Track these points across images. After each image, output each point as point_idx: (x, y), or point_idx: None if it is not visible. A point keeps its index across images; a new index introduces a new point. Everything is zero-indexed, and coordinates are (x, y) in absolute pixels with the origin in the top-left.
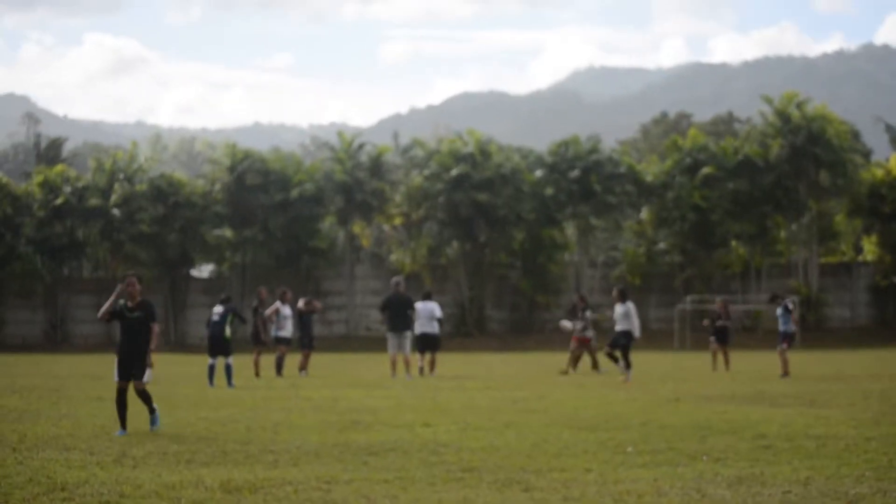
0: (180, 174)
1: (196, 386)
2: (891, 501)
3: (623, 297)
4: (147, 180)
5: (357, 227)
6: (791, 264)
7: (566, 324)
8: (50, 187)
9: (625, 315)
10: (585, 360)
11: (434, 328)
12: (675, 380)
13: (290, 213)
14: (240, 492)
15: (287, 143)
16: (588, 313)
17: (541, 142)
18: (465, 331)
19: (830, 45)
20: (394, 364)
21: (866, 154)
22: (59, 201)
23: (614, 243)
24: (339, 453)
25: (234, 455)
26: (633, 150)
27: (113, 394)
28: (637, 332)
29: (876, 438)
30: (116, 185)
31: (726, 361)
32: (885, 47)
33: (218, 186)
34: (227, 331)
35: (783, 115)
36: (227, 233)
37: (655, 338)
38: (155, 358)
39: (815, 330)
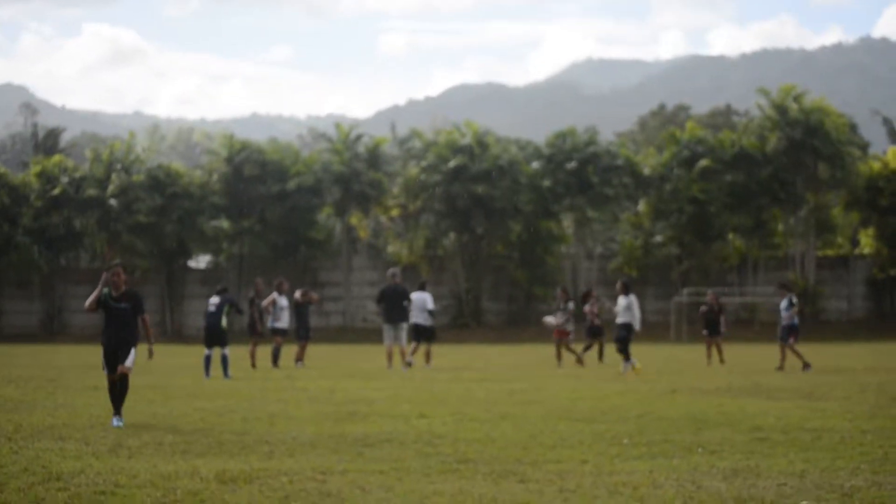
0: (178, 165)
1: (192, 377)
2: (886, 494)
3: (626, 290)
4: (144, 171)
5: (354, 219)
6: (788, 257)
7: (549, 319)
8: (47, 177)
9: (627, 307)
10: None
11: (427, 319)
12: (672, 372)
13: (288, 204)
14: (235, 482)
15: (285, 135)
16: (571, 305)
17: (539, 134)
18: (461, 322)
19: (829, 37)
20: (390, 355)
21: (864, 147)
22: (56, 191)
23: (611, 235)
24: (335, 444)
25: (229, 446)
26: (630, 142)
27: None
28: (637, 325)
29: (871, 431)
30: (114, 176)
31: (720, 353)
32: (884, 40)
33: (215, 177)
34: (224, 322)
35: (781, 108)
36: (225, 224)
37: (652, 330)
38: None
39: (811, 322)
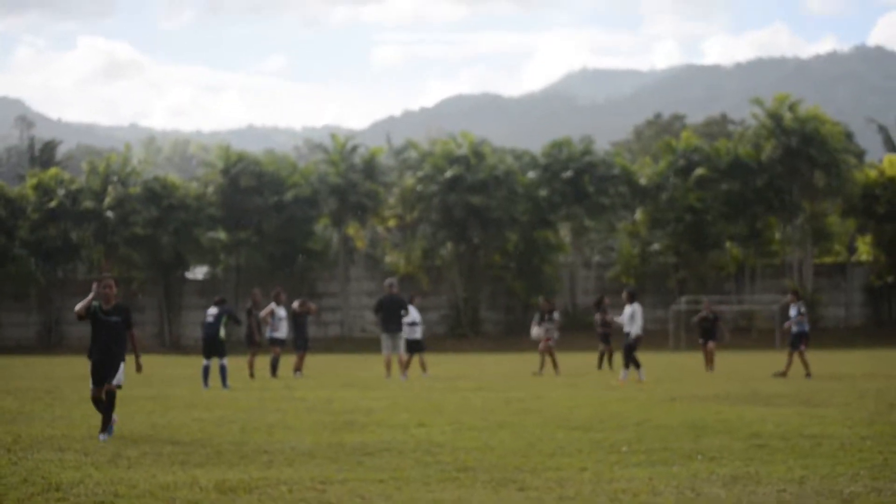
0: (174, 177)
1: (190, 387)
2: (885, 500)
3: (632, 299)
4: (141, 183)
5: (351, 229)
6: (785, 265)
7: (536, 331)
8: (44, 190)
9: (631, 316)
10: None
11: (415, 333)
12: (670, 380)
13: (285, 215)
14: (234, 492)
15: (280, 146)
16: (556, 315)
17: (534, 144)
18: (459, 332)
19: (823, 46)
20: (388, 365)
21: (859, 155)
22: (52, 204)
23: (609, 244)
24: (334, 454)
25: (228, 456)
26: (626, 151)
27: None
28: (634, 332)
29: (871, 437)
30: (110, 188)
31: (711, 360)
32: (878, 48)
33: (212, 189)
34: (222, 332)
35: (776, 117)
36: (222, 235)
37: (650, 338)
38: (145, 360)
39: (809, 330)
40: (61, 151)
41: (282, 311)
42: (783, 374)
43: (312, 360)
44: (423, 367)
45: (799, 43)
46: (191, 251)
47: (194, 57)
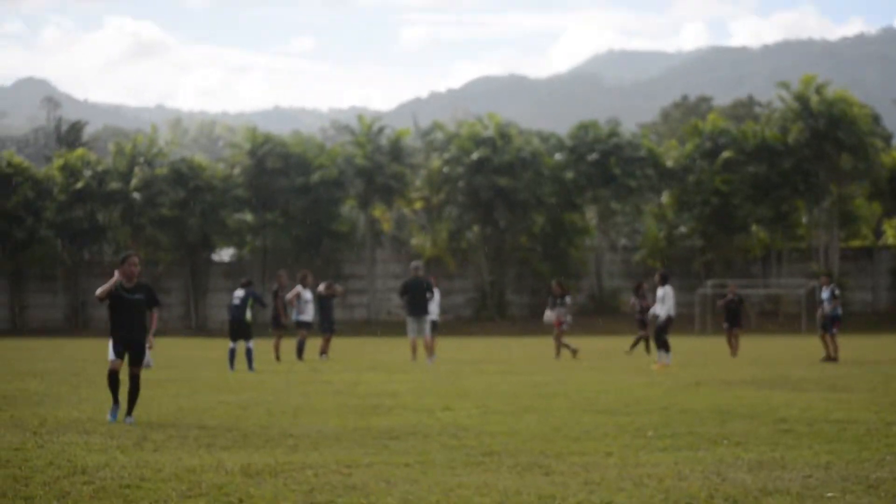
0: (201, 158)
1: (216, 370)
2: None
3: (664, 281)
4: (167, 164)
5: (377, 211)
6: (812, 248)
7: (549, 315)
8: (70, 171)
9: (662, 298)
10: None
11: (432, 315)
12: (696, 364)
13: (311, 197)
14: (260, 475)
15: (307, 127)
16: (568, 299)
17: (561, 126)
18: (485, 315)
19: (850, 28)
20: (414, 348)
21: (887, 138)
22: (79, 185)
23: (635, 227)
24: (360, 437)
25: (254, 439)
26: (653, 133)
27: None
28: (663, 314)
29: None
30: (137, 169)
31: (735, 345)
32: None
33: (238, 170)
34: (248, 315)
35: (802, 99)
36: (248, 217)
37: (676, 322)
38: (171, 342)
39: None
40: (88, 132)
41: (308, 294)
42: (833, 359)
43: (338, 343)
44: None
45: (827, 25)
46: (217, 233)
47: (221, 38)
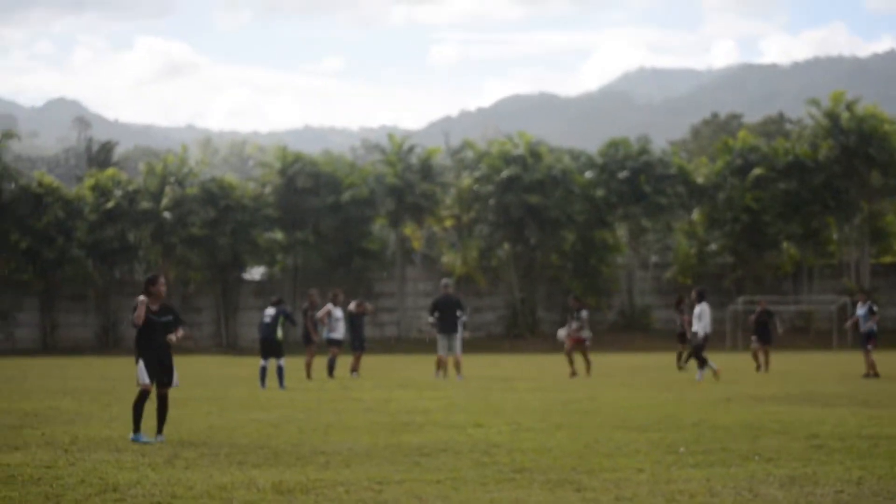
0: (231, 177)
1: (247, 388)
2: None
3: (700, 298)
4: (198, 183)
5: (408, 230)
6: (843, 264)
7: (561, 333)
8: (101, 191)
9: (699, 316)
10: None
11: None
12: (727, 380)
13: (341, 216)
14: (291, 493)
15: (337, 147)
16: (584, 314)
17: (591, 143)
18: (516, 332)
19: (881, 45)
20: (442, 364)
21: None
22: (110, 205)
23: (666, 244)
24: (391, 454)
25: (285, 456)
26: (683, 150)
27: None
28: (701, 332)
29: None
30: (167, 189)
31: (766, 361)
32: None
33: (269, 189)
34: (279, 332)
35: (832, 116)
36: (279, 235)
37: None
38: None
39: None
40: (118, 152)
41: (339, 312)
42: (874, 375)
43: (369, 361)
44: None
45: (857, 42)
46: (248, 252)
47: (251, 57)
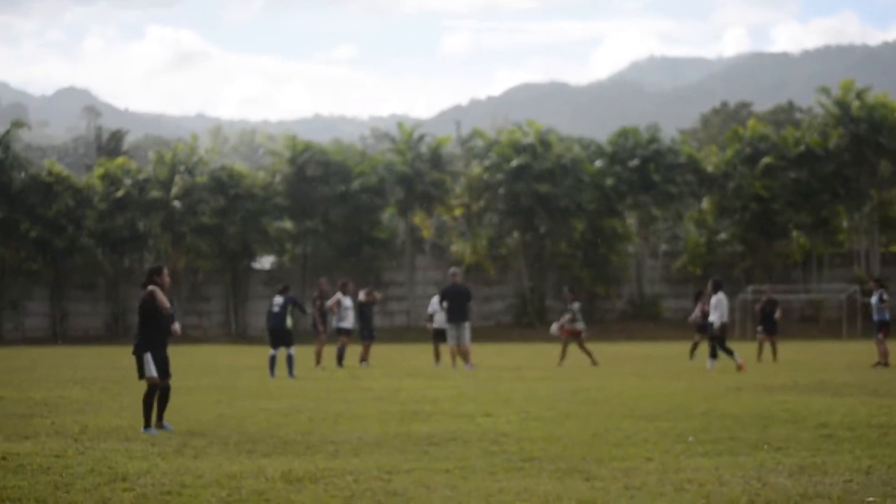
0: (241, 166)
1: (257, 377)
2: None
3: (717, 289)
4: (208, 172)
5: (417, 218)
6: (852, 253)
7: (554, 328)
8: (111, 180)
9: (716, 306)
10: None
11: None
12: (736, 369)
13: (351, 205)
14: (300, 482)
15: (347, 135)
16: (576, 306)
17: (600, 132)
18: (525, 321)
19: (892, 33)
20: (453, 355)
21: None
22: (120, 194)
23: (675, 233)
24: (400, 443)
25: (294, 445)
26: (692, 139)
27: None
28: (718, 321)
29: None
30: (177, 178)
31: (774, 350)
32: None
33: (278, 178)
34: (289, 321)
35: (843, 105)
36: (288, 224)
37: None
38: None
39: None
40: (128, 141)
41: (348, 301)
42: (884, 364)
43: (378, 350)
44: (438, 356)
45: (868, 30)
46: (257, 241)
47: (261, 46)
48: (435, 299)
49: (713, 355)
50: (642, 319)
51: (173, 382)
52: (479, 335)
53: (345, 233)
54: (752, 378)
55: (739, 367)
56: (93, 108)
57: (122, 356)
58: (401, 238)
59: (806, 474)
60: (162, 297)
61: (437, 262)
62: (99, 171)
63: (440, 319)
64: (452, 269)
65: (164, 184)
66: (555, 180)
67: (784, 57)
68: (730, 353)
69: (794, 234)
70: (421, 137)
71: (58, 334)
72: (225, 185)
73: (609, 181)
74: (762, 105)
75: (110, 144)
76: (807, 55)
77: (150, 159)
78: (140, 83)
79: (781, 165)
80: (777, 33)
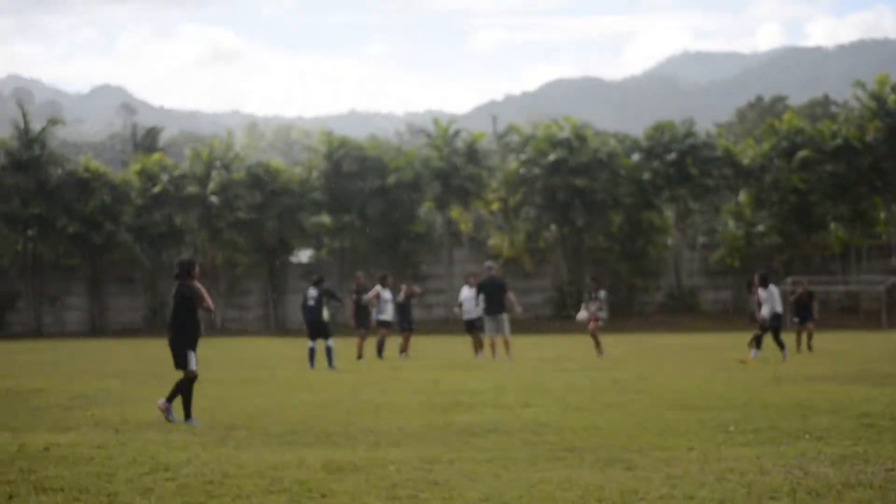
0: (277, 162)
1: (296, 369)
2: None
3: (764, 283)
4: (244, 168)
5: (455, 213)
6: (890, 245)
7: (581, 315)
8: (148, 176)
9: (767, 299)
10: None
11: (470, 314)
12: (776, 360)
13: (388, 199)
14: (342, 472)
15: (382, 131)
16: (602, 294)
17: (636, 127)
18: (564, 314)
19: None
20: (493, 346)
21: None
22: (157, 189)
23: (713, 226)
24: (441, 434)
25: (335, 436)
26: (728, 133)
27: (171, 379)
28: (769, 312)
29: None
30: (214, 173)
31: (809, 340)
32: None
33: (315, 174)
34: (325, 314)
35: (878, 98)
36: (325, 219)
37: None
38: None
39: None
40: (164, 138)
41: (388, 294)
42: None
43: (417, 342)
44: (476, 347)
45: None
46: (295, 235)
47: (296, 43)
48: (464, 288)
49: (757, 346)
50: (681, 311)
51: (214, 375)
52: (518, 327)
53: (382, 227)
54: (793, 368)
55: (745, 362)
56: (128, 105)
57: (159, 349)
58: (438, 232)
59: (847, 463)
60: (206, 293)
61: (475, 256)
62: (136, 167)
63: (469, 308)
64: (488, 263)
65: (200, 179)
66: (591, 174)
67: (818, 51)
68: (781, 346)
69: (833, 226)
70: (457, 133)
71: (97, 328)
72: (262, 181)
73: (646, 175)
74: (797, 99)
75: (146, 141)
76: (841, 49)
77: (185, 155)
78: (174, 80)
79: (818, 158)
80: (811, 28)
